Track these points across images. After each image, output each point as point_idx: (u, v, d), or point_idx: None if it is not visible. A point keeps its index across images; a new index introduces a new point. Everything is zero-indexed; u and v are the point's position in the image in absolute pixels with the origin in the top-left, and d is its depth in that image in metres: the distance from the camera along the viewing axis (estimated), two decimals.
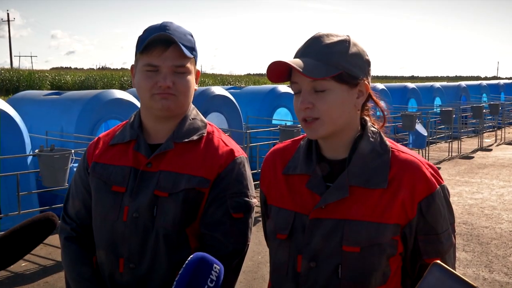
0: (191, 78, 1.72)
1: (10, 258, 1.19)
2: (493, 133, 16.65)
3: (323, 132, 1.43)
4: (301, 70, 1.36)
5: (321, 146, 1.52)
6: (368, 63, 1.47)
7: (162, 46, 1.64)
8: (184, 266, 1.26)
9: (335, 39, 1.43)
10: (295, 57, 1.45)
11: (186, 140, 1.72)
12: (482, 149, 14.04)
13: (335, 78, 1.39)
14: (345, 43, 1.43)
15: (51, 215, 1.23)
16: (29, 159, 6.46)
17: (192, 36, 1.74)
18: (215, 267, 1.28)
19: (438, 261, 1.09)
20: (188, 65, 1.69)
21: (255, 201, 1.74)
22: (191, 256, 1.28)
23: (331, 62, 1.39)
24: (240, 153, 1.76)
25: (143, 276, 1.66)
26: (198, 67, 1.81)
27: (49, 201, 6.68)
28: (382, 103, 1.57)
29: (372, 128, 1.51)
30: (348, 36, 1.46)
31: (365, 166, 1.44)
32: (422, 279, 1.09)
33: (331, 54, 1.40)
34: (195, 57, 1.74)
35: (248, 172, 1.77)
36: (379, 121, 1.58)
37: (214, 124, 1.88)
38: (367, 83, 1.46)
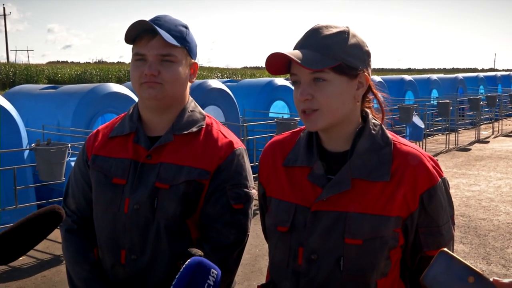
0: (181, 68, 1.70)
1: (16, 251, 1.18)
2: (490, 125, 16.67)
3: (322, 123, 1.42)
4: (300, 61, 1.35)
5: (322, 138, 1.51)
6: (368, 54, 1.46)
7: (149, 35, 1.65)
8: (181, 270, 1.25)
9: (334, 30, 1.42)
10: (295, 48, 1.44)
11: (186, 132, 1.72)
12: (479, 141, 14.06)
13: (334, 69, 1.38)
14: (344, 34, 1.41)
15: (57, 207, 1.21)
16: (26, 153, 6.45)
17: (186, 28, 1.73)
18: (213, 272, 1.27)
19: (445, 249, 1.09)
20: (177, 54, 1.68)
21: (255, 192, 1.75)
22: (188, 260, 1.27)
23: (330, 54, 1.38)
24: (239, 144, 1.77)
25: (145, 267, 1.67)
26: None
27: (46, 195, 6.65)
28: (380, 96, 1.55)
29: (374, 121, 1.50)
30: (347, 27, 1.44)
31: (367, 159, 1.43)
32: (429, 266, 1.09)
33: (330, 46, 1.39)
34: (189, 48, 1.72)
35: (247, 164, 1.77)
36: (378, 113, 1.56)
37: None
38: (367, 75, 1.44)
